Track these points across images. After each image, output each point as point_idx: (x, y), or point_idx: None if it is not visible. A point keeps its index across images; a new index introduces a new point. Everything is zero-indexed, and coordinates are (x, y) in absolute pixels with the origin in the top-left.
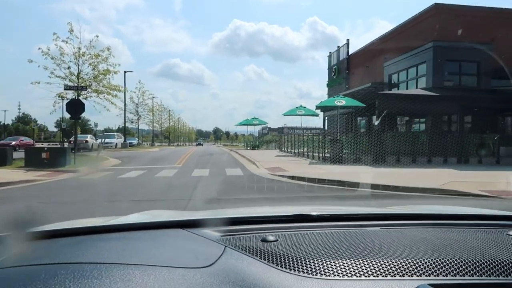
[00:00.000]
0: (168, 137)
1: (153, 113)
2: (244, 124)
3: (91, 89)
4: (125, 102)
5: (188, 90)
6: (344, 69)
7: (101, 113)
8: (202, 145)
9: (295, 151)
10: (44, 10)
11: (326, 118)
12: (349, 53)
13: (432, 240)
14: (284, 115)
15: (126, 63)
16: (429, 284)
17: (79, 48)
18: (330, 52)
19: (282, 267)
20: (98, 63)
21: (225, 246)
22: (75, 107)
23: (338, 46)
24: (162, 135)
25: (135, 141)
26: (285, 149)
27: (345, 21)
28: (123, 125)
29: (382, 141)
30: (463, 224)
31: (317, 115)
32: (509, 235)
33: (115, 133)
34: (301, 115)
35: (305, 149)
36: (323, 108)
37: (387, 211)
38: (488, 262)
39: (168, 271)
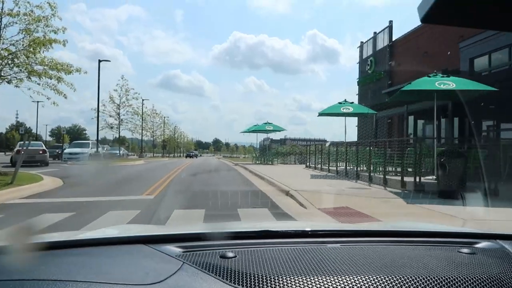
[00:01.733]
0: (165, 147)
1: (142, 118)
2: (253, 131)
3: (18, 68)
4: (98, 99)
5: (188, 101)
6: (385, 60)
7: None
8: (193, 157)
9: (336, 168)
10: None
11: (375, 122)
12: (393, 39)
13: (386, 257)
14: (321, 114)
15: (127, 74)
16: None
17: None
18: (362, 42)
19: (236, 284)
20: (34, 27)
21: (183, 262)
22: None
23: (375, 32)
24: (160, 145)
25: (117, 152)
26: (315, 165)
27: (345, 34)
28: (118, 134)
29: None
30: (418, 241)
31: (366, 114)
32: (461, 252)
33: (90, 141)
34: (346, 114)
35: (352, 166)
36: (396, 98)
37: (349, 228)
38: (436, 279)
39: (110, 287)
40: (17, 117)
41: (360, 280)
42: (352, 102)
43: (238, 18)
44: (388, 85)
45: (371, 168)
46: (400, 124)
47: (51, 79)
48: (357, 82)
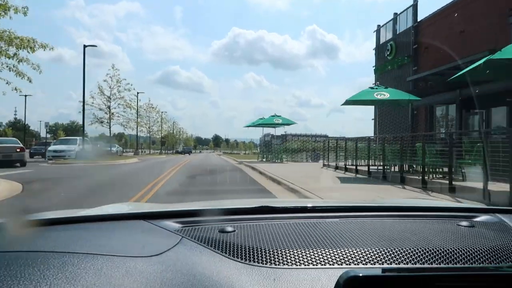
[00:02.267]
0: (164, 143)
1: (137, 111)
2: (259, 125)
3: None
4: (84, 90)
5: (188, 97)
6: (409, 43)
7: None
8: (187, 153)
9: (367, 169)
10: (46, 16)
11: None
12: (418, 19)
13: (384, 231)
14: (348, 102)
15: (126, 70)
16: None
17: None
18: (379, 26)
19: (235, 257)
20: None
21: (182, 237)
22: None
23: (395, 13)
24: (158, 142)
25: (113, 149)
26: (336, 163)
27: (344, 29)
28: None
29: None
30: (418, 215)
31: (400, 102)
32: (460, 225)
33: (78, 138)
34: (379, 102)
35: (388, 166)
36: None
37: (348, 204)
38: (435, 251)
39: (108, 259)
40: (15, 114)
41: (359, 252)
42: (387, 87)
43: (237, 14)
44: (413, 71)
45: (425, 170)
46: (429, 115)
47: (9, 57)
48: (374, 70)
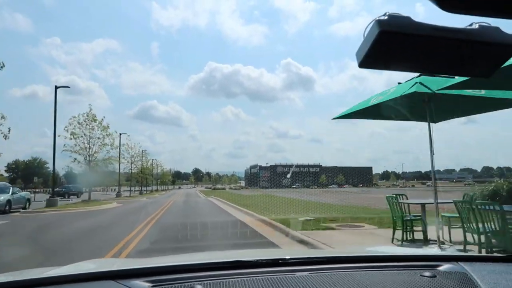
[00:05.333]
0: (137, 179)
1: (55, 122)
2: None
3: None
4: None
5: (166, 132)
6: None
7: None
8: (68, 196)
9: None
10: (21, 54)
11: None
12: None
13: (352, 284)
14: None
15: (104, 106)
16: None
17: None
18: None
19: None
20: None
21: None
22: None
23: None
24: (133, 177)
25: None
26: None
27: (318, 62)
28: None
29: None
30: (383, 266)
31: None
32: (423, 276)
33: None
34: None
35: None
36: None
37: (317, 255)
38: None
39: None
40: None
41: None
42: None
43: (213, 50)
44: None
45: None
46: None
47: None
48: None
